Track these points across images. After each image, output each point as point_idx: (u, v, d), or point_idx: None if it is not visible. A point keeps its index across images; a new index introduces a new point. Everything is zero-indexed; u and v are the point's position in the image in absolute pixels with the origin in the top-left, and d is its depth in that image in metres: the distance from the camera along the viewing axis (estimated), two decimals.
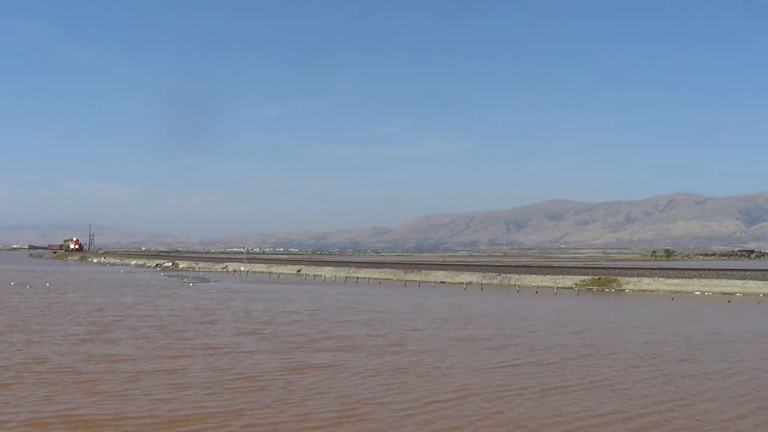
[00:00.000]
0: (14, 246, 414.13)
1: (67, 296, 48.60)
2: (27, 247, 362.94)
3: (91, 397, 16.53)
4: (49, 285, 62.27)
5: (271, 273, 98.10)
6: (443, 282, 73.90)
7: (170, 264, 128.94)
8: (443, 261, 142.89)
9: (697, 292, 56.04)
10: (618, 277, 64.36)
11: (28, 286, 58.91)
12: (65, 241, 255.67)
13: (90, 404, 15.82)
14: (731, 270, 64.56)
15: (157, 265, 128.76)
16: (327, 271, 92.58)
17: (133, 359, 21.63)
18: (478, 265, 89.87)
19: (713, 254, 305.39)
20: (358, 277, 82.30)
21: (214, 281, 75.39)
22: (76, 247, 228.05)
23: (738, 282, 56.83)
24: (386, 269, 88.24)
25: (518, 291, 61.01)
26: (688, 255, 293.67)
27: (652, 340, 28.16)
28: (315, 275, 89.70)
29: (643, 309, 43.82)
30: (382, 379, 19.16)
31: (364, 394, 17.25)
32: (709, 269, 66.37)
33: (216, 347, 24.37)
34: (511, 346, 25.96)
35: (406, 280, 76.73)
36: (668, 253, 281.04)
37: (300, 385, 18.26)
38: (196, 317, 34.79)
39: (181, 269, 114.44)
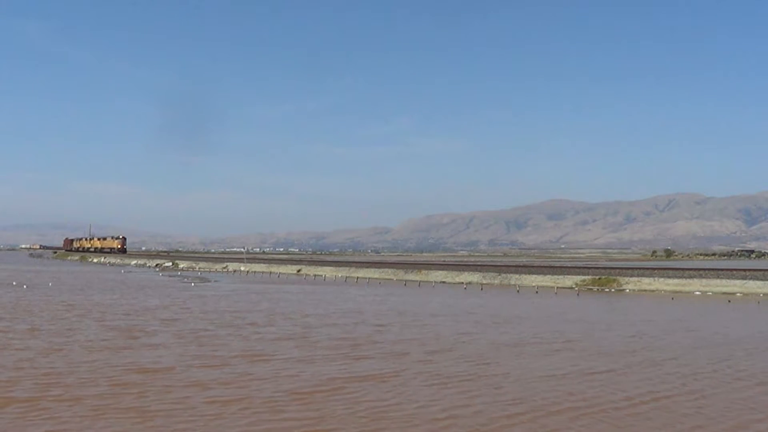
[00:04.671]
0: (23, 246, 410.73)
1: (89, 297, 46.88)
2: (38, 247, 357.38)
3: (157, 411, 15.27)
4: (51, 285, 62.12)
5: (271, 273, 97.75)
6: (443, 282, 73.62)
7: (170, 264, 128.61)
8: (443, 261, 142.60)
9: (698, 292, 55.92)
10: (618, 277, 64.18)
11: (24, 286, 58.40)
12: (79, 239, 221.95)
13: (162, 423, 14.57)
14: (731, 270, 64.24)
15: (157, 265, 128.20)
16: (327, 271, 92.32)
17: (182, 368, 20.41)
18: (478, 265, 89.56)
19: (713, 254, 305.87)
20: (358, 277, 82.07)
21: (215, 281, 74.96)
22: (120, 247, 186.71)
23: (738, 282, 56.67)
24: (386, 269, 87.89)
25: (518, 291, 60.83)
26: (688, 255, 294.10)
27: (706, 343, 27.09)
28: (315, 275, 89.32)
29: (667, 309, 42.82)
30: (458, 390, 17.76)
31: (455, 408, 15.91)
32: (709, 269, 66.02)
33: (264, 355, 23.21)
34: (566, 350, 24.69)
35: (406, 280, 76.50)
36: (668, 253, 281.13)
37: (375, 398, 16.97)
38: (228, 321, 33.48)
39: (181, 269, 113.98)
